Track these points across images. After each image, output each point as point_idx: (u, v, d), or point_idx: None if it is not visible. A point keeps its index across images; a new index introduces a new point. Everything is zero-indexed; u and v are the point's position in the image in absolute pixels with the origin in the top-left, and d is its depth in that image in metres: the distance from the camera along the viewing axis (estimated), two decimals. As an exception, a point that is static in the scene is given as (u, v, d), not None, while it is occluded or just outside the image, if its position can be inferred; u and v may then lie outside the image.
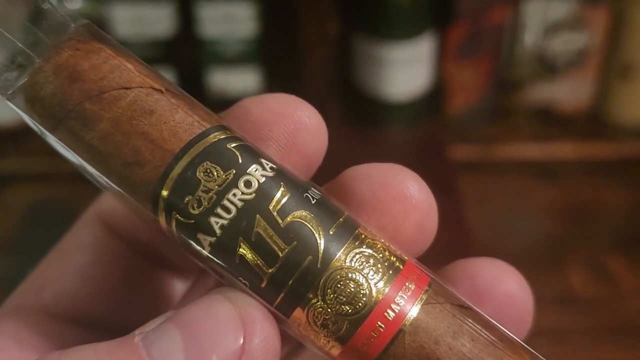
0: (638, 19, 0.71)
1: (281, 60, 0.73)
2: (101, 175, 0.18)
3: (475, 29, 0.71)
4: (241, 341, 0.16)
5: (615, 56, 0.73)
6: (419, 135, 0.74)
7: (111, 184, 0.18)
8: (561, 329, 0.57)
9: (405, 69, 0.70)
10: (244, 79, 0.71)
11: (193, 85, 0.72)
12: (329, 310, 0.17)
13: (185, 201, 0.17)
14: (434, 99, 0.74)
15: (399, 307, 0.17)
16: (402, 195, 0.19)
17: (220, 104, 0.82)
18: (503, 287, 0.20)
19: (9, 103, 0.18)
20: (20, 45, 0.18)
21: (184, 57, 0.70)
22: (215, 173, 0.17)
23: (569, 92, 0.75)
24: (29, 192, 0.71)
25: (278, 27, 0.71)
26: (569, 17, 0.71)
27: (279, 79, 0.73)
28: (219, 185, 0.17)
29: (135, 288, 0.23)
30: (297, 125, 0.19)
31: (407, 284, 0.17)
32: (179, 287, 0.24)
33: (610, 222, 0.69)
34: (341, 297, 0.17)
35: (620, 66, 0.73)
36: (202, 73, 0.71)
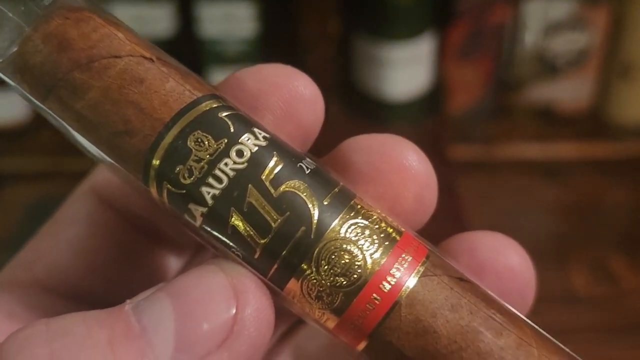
0: (638, 18, 0.71)
1: (281, 60, 0.72)
2: (92, 145, 0.17)
3: (475, 28, 0.71)
4: (233, 310, 0.16)
5: (615, 56, 0.73)
6: (419, 134, 0.74)
7: (102, 154, 0.17)
8: (563, 328, 0.57)
9: (406, 69, 0.70)
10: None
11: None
12: (323, 282, 0.16)
13: (176, 171, 0.16)
14: (434, 98, 0.74)
15: (395, 279, 0.16)
16: (401, 165, 0.19)
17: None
18: (504, 260, 0.20)
19: None
20: (9, 14, 0.17)
21: (184, 56, 0.70)
22: (206, 142, 0.17)
23: (569, 92, 0.75)
24: (30, 190, 0.71)
25: (278, 26, 0.71)
26: (570, 17, 0.71)
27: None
28: (211, 155, 0.16)
29: (130, 262, 0.22)
30: (292, 95, 0.19)
31: (403, 255, 0.17)
32: (174, 262, 0.23)
33: (611, 222, 0.69)
34: (335, 269, 0.16)
35: (621, 66, 0.73)
36: (202, 73, 0.71)
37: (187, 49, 0.70)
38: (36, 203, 0.69)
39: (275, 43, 0.71)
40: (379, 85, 0.71)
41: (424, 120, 0.74)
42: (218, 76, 0.71)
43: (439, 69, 0.73)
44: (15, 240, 0.65)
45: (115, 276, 0.21)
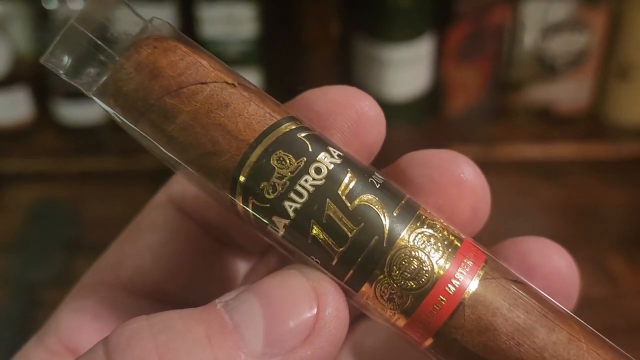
0: (637, 20, 0.71)
1: (282, 61, 0.73)
2: (181, 163, 0.19)
3: (475, 30, 0.71)
4: (315, 310, 0.17)
5: (614, 57, 0.74)
6: (419, 135, 0.74)
7: (191, 171, 0.19)
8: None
9: (406, 70, 0.70)
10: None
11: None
12: (395, 285, 0.18)
13: (260, 187, 0.18)
14: (434, 99, 0.74)
15: (458, 282, 0.18)
16: (458, 179, 0.21)
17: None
18: (552, 263, 0.22)
19: (94, 98, 0.19)
20: (101, 44, 0.19)
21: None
22: (287, 161, 0.18)
23: (568, 93, 0.76)
24: (32, 191, 0.71)
25: (279, 28, 0.71)
26: (569, 18, 0.72)
27: (279, 79, 0.73)
28: (292, 172, 0.18)
29: (203, 266, 0.24)
30: (359, 115, 0.21)
31: (465, 260, 0.19)
32: (242, 267, 0.25)
33: (610, 222, 0.69)
34: (406, 274, 0.18)
35: (619, 67, 0.73)
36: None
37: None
38: (38, 204, 0.70)
39: (275, 44, 0.71)
40: (379, 86, 0.71)
41: (424, 121, 0.75)
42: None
43: (438, 70, 0.73)
44: (18, 240, 0.65)
45: (190, 278, 0.24)
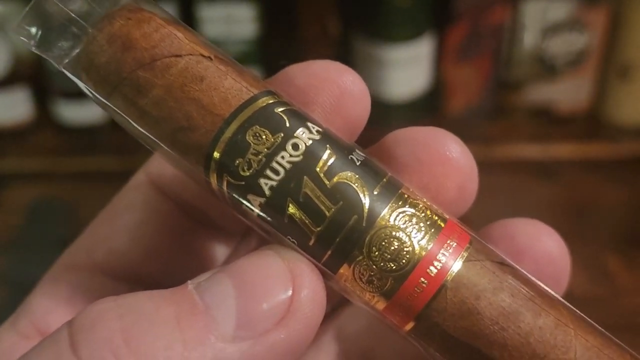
0: (636, 19, 0.71)
1: (281, 61, 0.73)
2: (154, 139, 0.18)
3: (474, 29, 0.71)
4: (290, 292, 0.17)
5: (613, 57, 0.74)
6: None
7: (164, 147, 0.18)
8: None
9: (405, 70, 0.70)
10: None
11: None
12: (374, 267, 0.17)
13: (235, 163, 0.17)
14: (433, 99, 0.74)
15: (441, 264, 0.18)
16: (444, 156, 0.20)
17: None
18: (542, 245, 0.21)
19: (64, 71, 0.18)
20: (73, 15, 0.18)
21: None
22: (264, 136, 0.18)
23: (568, 93, 0.76)
24: (31, 191, 0.71)
25: (278, 28, 0.71)
26: (568, 18, 0.72)
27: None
28: (268, 148, 0.17)
29: (182, 247, 0.23)
30: (341, 90, 0.20)
31: (448, 241, 0.18)
32: (222, 248, 0.24)
33: (608, 222, 0.69)
34: (385, 255, 0.17)
35: (619, 67, 0.73)
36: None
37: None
38: (37, 203, 0.70)
39: (275, 44, 0.71)
40: (379, 86, 0.71)
41: (423, 120, 0.75)
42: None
43: (438, 69, 0.73)
44: (16, 239, 0.65)
45: (168, 260, 0.23)
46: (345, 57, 0.73)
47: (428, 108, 0.74)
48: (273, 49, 0.72)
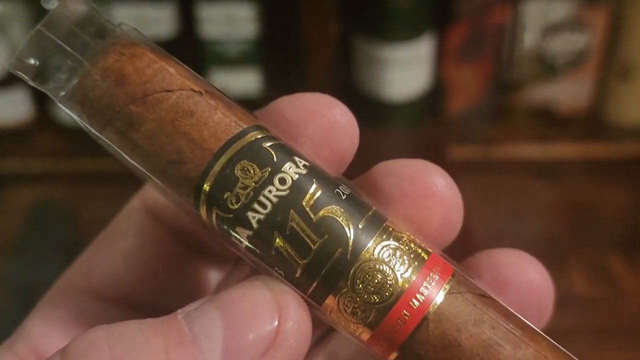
0: (637, 19, 0.71)
1: (282, 61, 0.73)
2: (146, 172, 0.19)
3: (475, 29, 0.71)
4: (276, 323, 0.17)
5: (614, 57, 0.74)
6: (419, 135, 0.74)
7: (156, 180, 0.19)
8: (562, 329, 0.57)
9: (406, 70, 0.70)
10: (244, 79, 0.71)
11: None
12: (358, 299, 0.18)
13: (224, 197, 0.18)
14: (434, 99, 0.74)
15: (423, 297, 0.18)
16: (429, 189, 0.20)
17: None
18: (525, 276, 0.21)
19: (60, 105, 0.19)
20: (69, 49, 0.19)
21: (185, 57, 0.70)
22: (252, 171, 0.18)
23: (568, 93, 0.76)
24: (31, 192, 0.71)
25: (279, 28, 0.71)
26: (569, 18, 0.72)
27: (279, 79, 0.73)
28: (256, 182, 0.18)
29: (176, 273, 0.24)
30: (330, 123, 0.20)
31: (431, 274, 0.18)
32: (216, 274, 0.25)
33: (610, 222, 0.69)
34: (369, 287, 0.18)
35: (620, 67, 0.73)
36: (203, 74, 0.71)
37: (188, 50, 0.70)
38: (37, 204, 0.70)
39: (275, 44, 0.71)
40: (379, 87, 0.71)
41: (424, 121, 0.75)
42: (219, 77, 0.71)
43: (438, 70, 0.73)
44: (17, 241, 0.65)
45: (162, 285, 0.23)
46: (346, 57, 0.73)
47: (428, 108, 0.74)
48: (273, 49, 0.71)
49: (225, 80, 0.71)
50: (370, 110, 0.73)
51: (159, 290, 0.23)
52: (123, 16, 0.67)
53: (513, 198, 0.71)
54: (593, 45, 0.73)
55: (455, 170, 0.70)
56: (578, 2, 0.71)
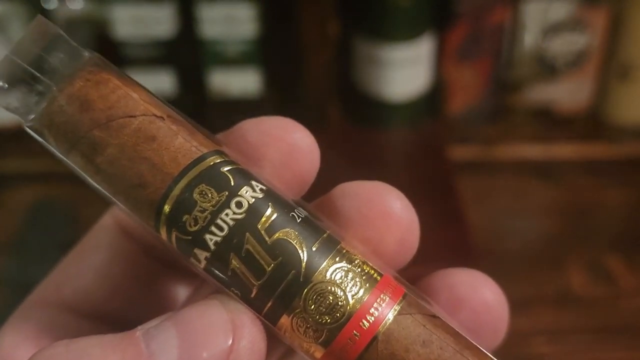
0: (637, 20, 0.71)
1: (282, 61, 0.73)
2: (109, 195, 0.19)
3: (475, 29, 0.71)
4: (230, 342, 0.18)
5: (614, 57, 0.74)
6: (419, 135, 0.74)
7: (118, 203, 0.20)
8: (560, 329, 0.57)
9: (406, 70, 0.70)
10: (244, 79, 0.71)
11: (193, 86, 0.72)
12: (310, 319, 0.19)
13: (183, 219, 0.19)
14: (434, 99, 0.74)
15: (373, 318, 0.19)
16: (385, 212, 0.21)
17: (220, 104, 0.81)
18: (479, 295, 0.22)
19: (27, 130, 0.20)
20: (39, 75, 0.19)
21: (185, 57, 0.71)
22: (209, 194, 0.19)
23: (568, 93, 0.76)
24: (31, 192, 0.71)
25: (279, 28, 0.71)
26: (569, 18, 0.72)
27: (279, 79, 0.73)
28: (213, 206, 0.19)
29: (146, 287, 0.25)
30: (290, 147, 0.21)
31: (382, 295, 0.19)
32: (184, 289, 0.26)
33: (609, 222, 0.69)
34: (321, 308, 0.19)
35: (620, 67, 0.73)
36: (202, 74, 0.71)
37: (188, 49, 0.70)
38: (37, 204, 0.70)
39: (275, 44, 0.71)
40: (379, 87, 0.71)
41: (424, 121, 0.75)
42: (219, 77, 0.71)
43: (438, 70, 0.73)
44: (17, 241, 0.65)
45: (132, 299, 0.24)
46: (345, 57, 0.73)
47: (428, 108, 0.74)
48: (273, 49, 0.71)
49: (225, 80, 0.71)
50: (370, 110, 0.73)
51: (129, 304, 0.24)
52: (123, 16, 0.68)
53: (512, 198, 0.71)
54: (593, 45, 0.73)
55: (455, 170, 0.71)
56: (578, 2, 0.71)
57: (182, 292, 0.26)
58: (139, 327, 0.18)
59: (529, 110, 0.77)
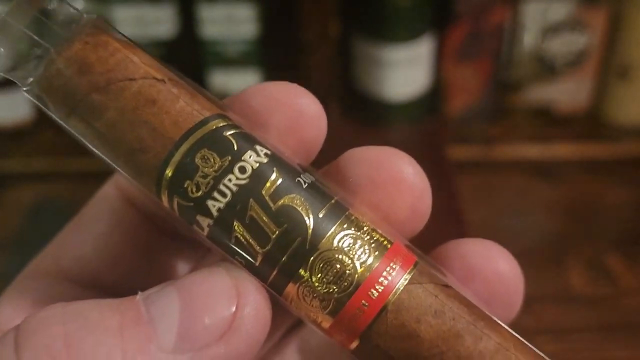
0: (636, 20, 0.71)
1: (282, 61, 0.73)
2: (110, 161, 0.19)
3: (475, 29, 0.71)
4: (233, 309, 0.17)
5: (613, 57, 0.74)
6: (419, 135, 0.74)
7: (119, 169, 0.19)
8: (561, 327, 0.57)
9: (406, 70, 0.70)
10: (244, 80, 0.71)
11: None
12: (318, 288, 0.18)
13: (185, 185, 0.18)
14: (433, 99, 0.74)
15: (382, 287, 0.18)
16: (397, 177, 0.20)
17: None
18: (493, 266, 0.21)
19: (26, 94, 0.19)
20: (36, 38, 0.19)
21: (185, 57, 0.71)
22: (212, 159, 0.18)
23: (568, 93, 0.76)
24: (32, 191, 0.71)
25: (279, 28, 0.71)
26: (568, 18, 0.72)
27: (279, 79, 0.73)
28: (216, 171, 0.18)
29: (147, 257, 0.24)
30: (296, 112, 0.20)
31: (391, 264, 0.18)
32: (187, 259, 0.25)
33: (609, 221, 0.69)
34: (328, 277, 0.18)
35: (619, 67, 0.73)
36: (203, 74, 0.71)
37: (188, 50, 0.70)
38: (38, 203, 0.70)
39: (275, 44, 0.71)
40: (379, 86, 0.71)
41: (424, 121, 0.75)
42: (219, 77, 0.71)
43: (438, 70, 0.73)
44: (18, 240, 0.65)
45: (132, 269, 0.23)
46: (345, 57, 0.73)
47: (428, 108, 0.75)
48: (273, 49, 0.71)
49: (225, 80, 0.72)
50: (370, 109, 0.73)
51: (130, 275, 0.23)
52: (123, 16, 0.68)
53: (512, 197, 0.71)
54: (593, 45, 0.73)
55: (454, 169, 0.71)
56: (578, 2, 0.71)
57: (184, 264, 0.25)
58: (139, 293, 0.18)
59: (529, 110, 0.77)
